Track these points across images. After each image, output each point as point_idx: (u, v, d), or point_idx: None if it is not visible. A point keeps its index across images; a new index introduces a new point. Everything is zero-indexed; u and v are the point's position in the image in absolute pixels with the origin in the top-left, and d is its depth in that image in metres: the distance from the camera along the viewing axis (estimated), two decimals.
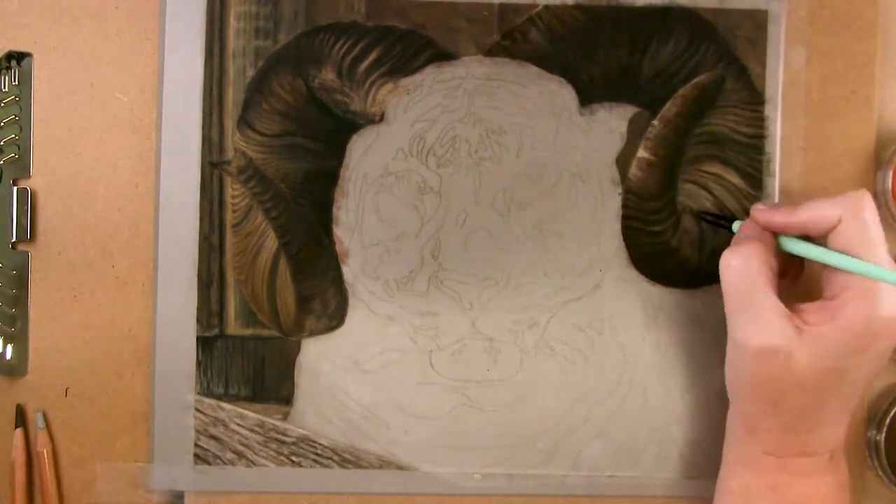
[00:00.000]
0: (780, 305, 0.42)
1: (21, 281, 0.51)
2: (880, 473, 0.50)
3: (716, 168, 0.50)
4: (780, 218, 0.44)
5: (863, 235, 0.41)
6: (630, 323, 0.51)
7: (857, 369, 0.42)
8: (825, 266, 0.43)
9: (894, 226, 0.50)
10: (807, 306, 0.42)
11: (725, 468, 0.47)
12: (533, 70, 0.50)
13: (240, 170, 0.50)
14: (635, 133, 0.50)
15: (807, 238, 0.44)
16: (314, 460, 0.51)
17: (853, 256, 0.41)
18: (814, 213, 0.43)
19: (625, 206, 0.50)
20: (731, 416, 0.46)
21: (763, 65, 0.50)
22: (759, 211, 0.45)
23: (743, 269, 0.42)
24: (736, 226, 0.47)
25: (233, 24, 0.50)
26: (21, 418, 0.50)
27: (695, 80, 0.50)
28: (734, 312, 0.43)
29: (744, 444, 0.45)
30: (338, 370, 0.51)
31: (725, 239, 0.50)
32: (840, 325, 0.41)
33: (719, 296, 0.49)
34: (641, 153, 0.50)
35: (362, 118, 0.50)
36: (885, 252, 0.41)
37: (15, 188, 0.50)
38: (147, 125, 0.50)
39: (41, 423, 0.50)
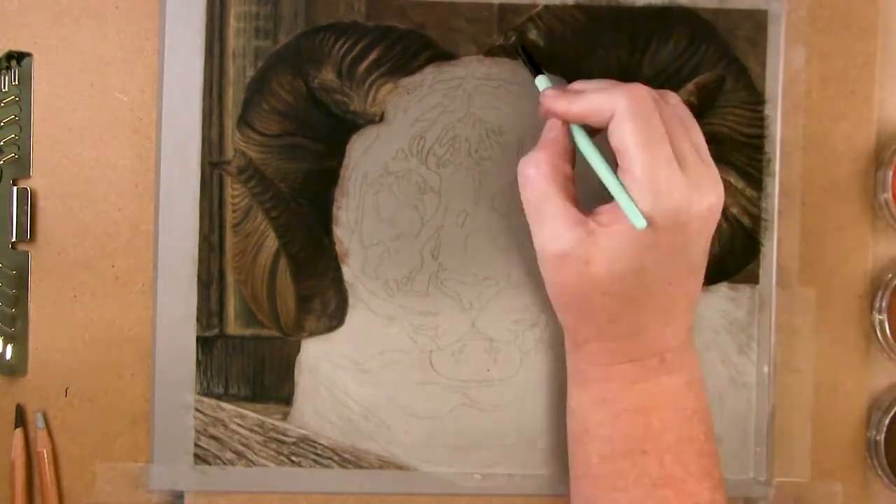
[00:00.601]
0: (572, 210, 0.42)
1: (21, 281, 0.51)
2: (880, 473, 0.50)
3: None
4: (559, 106, 0.43)
5: (627, 136, 0.40)
6: None
7: (656, 267, 0.41)
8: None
9: (895, 226, 0.50)
10: (602, 208, 0.42)
11: (567, 391, 0.47)
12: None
13: (240, 170, 0.50)
14: None
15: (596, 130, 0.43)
16: (314, 460, 0.51)
17: (625, 158, 0.40)
18: (591, 104, 0.42)
19: None
20: (566, 336, 0.46)
21: (763, 65, 0.50)
22: (544, 97, 0.44)
23: (535, 176, 0.43)
24: (540, 81, 0.46)
25: (233, 24, 0.50)
26: (21, 418, 0.50)
27: (695, 80, 0.50)
28: (531, 222, 0.43)
29: (572, 359, 0.46)
30: (338, 370, 0.51)
31: (726, 239, 0.50)
32: (625, 222, 0.40)
33: (719, 295, 0.49)
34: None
35: (362, 118, 0.50)
36: (640, 159, 0.40)
37: (15, 188, 0.50)
38: (147, 125, 0.50)
39: (41, 423, 0.50)
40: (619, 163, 0.41)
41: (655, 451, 0.43)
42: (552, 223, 0.42)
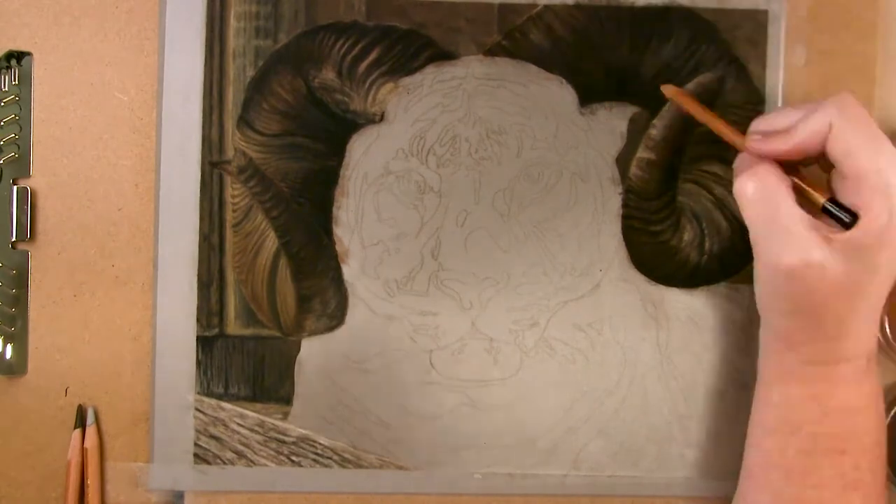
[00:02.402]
0: (807, 217, 0.41)
1: (21, 281, 0.51)
2: None
3: (716, 168, 0.50)
4: (778, 146, 0.43)
5: (861, 133, 0.41)
6: (630, 323, 0.51)
7: (888, 264, 0.41)
8: (831, 170, 0.42)
9: None
10: (827, 219, 0.42)
11: (763, 384, 0.46)
12: (533, 70, 0.50)
13: (240, 169, 0.50)
14: (635, 133, 0.50)
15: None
16: (314, 460, 0.51)
17: (854, 157, 0.40)
18: (807, 132, 0.42)
19: (625, 205, 0.50)
20: (763, 332, 0.46)
21: (763, 65, 0.50)
22: (756, 142, 0.43)
23: (762, 189, 0.42)
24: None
25: (233, 23, 0.50)
26: (80, 419, 0.50)
27: (695, 80, 0.50)
28: (761, 236, 0.42)
29: (783, 357, 0.44)
30: (338, 370, 0.51)
31: (726, 239, 0.50)
32: (865, 225, 0.40)
33: (719, 295, 0.49)
34: (641, 153, 0.50)
35: (362, 118, 0.50)
36: (887, 142, 0.40)
37: (15, 188, 0.50)
38: (147, 125, 0.50)
39: (91, 419, 0.50)
40: (842, 171, 0.41)
41: (854, 452, 0.43)
42: (788, 235, 0.41)
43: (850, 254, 0.41)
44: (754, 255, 0.43)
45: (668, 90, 0.48)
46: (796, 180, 0.43)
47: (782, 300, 0.43)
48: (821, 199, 0.42)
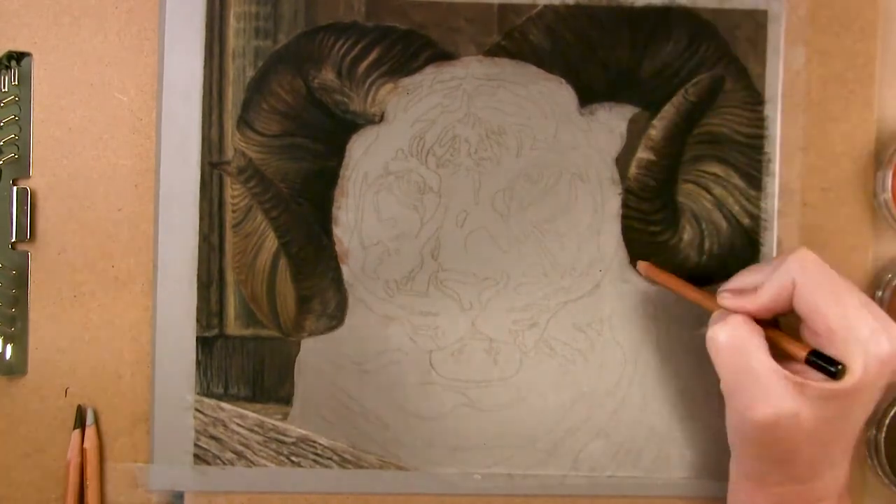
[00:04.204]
0: (780, 368, 0.41)
1: (21, 281, 0.51)
2: (880, 473, 0.50)
3: (716, 168, 0.50)
4: (746, 305, 0.43)
5: (824, 289, 0.41)
6: (630, 323, 0.51)
7: (861, 409, 0.42)
8: (801, 324, 0.43)
9: (895, 226, 0.50)
10: (799, 366, 0.42)
11: None
12: (533, 70, 0.50)
13: (240, 170, 0.50)
14: (635, 133, 0.50)
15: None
16: (314, 460, 0.51)
17: (821, 316, 0.41)
18: (772, 291, 0.42)
19: (625, 205, 0.50)
20: (733, 466, 0.46)
21: (763, 65, 0.50)
22: (725, 300, 0.44)
23: (734, 340, 0.42)
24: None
25: (233, 23, 0.50)
26: (80, 419, 0.50)
27: (694, 80, 0.50)
28: (731, 386, 0.42)
29: (752, 495, 0.45)
30: (338, 370, 0.51)
31: (725, 239, 0.50)
32: (840, 377, 0.40)
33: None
34: (641, 153, 0.50)
35: (362, 118, 0.50)
36: (854, 299, 0.41)
37: (15, 188, 0.50)
38: (147, 125, 0.50)
39: (91, 420, 0.50)
40: (812, 327, 0.41)
41: None
42: (760, 386, 0.41)
43: (824, 403, 0.41)
44: (725, 401, 0.43)
45: (641, 267, 0.49)
46: (773, 333, 0.43)
47: (754, 446, 0.43)
48: (802, 353, 0.42)
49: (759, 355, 0.41)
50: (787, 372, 0.41)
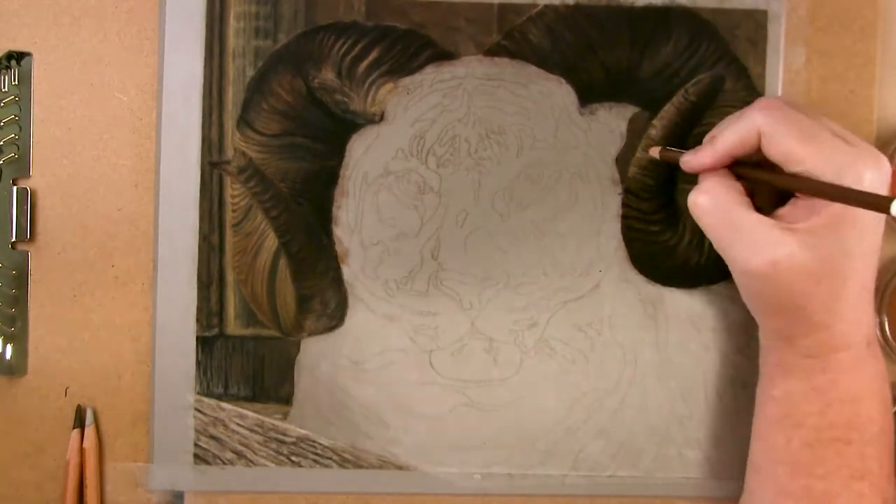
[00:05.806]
0: (763, 217, 0.42)
1: (21, 281, 0.51)
2: None
3: None
4: (705, 158, 0.44)
5: (792, 134, 0.41)
6: (630, 323, 0.51)
7: (859, 241, 0.42)
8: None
9: (895, 226, 0.50)
10: (782, 211, 0.43)
11: (764, 379, 0.46)
12: (533, 70, 0.50)
13: (240, 169, 0.50)
14: (635, 133, 0.50)
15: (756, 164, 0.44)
16: (314, 460, 0.51)
17: (794, 160, 0.41)
18: (732, 139, 0.42)
19: (625, 205, 0.50)
20: (762, 333, 0.46)
21: (763, 64, 0.50)
22: (686, 163, 0.45)
23: (713, 199, 0.43)
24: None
25: (233, 23, 0.50)
26: (79, 419, 0.50)
27: (694, 80, 0.50)
28: (723, 245, 0.43)
29: (782, 353, 0.45)
30: (338, 370, 0.51)
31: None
32: (825, 212, 0.41)
33: (719, 295, 0.49)
34: (641, 153, 0.50)
35: (362, 118, 0.50)
36: (825, 133, 0.41)
37: (15, 188, 0.50)
38: (147, 125, 0.50)
39: (90, 420, 0.50)
40: (791, 171, 0.41)
41: (859, 442, 0.43)
42: (749, 238, 0.42)
43: (815, 240, 0.41)
44: (728, 264, 0.44)
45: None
46: (755, 174, 0.43)
47: (763, 301, 0.44)
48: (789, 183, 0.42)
49: (739, 210, 0.42)
50: (768, 219, 0.42)
